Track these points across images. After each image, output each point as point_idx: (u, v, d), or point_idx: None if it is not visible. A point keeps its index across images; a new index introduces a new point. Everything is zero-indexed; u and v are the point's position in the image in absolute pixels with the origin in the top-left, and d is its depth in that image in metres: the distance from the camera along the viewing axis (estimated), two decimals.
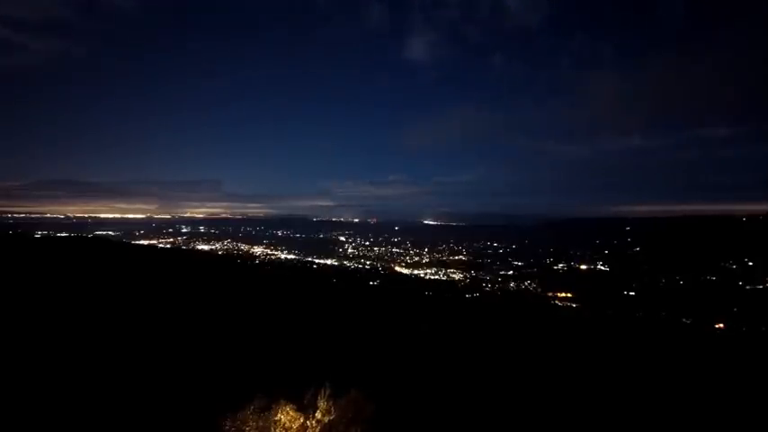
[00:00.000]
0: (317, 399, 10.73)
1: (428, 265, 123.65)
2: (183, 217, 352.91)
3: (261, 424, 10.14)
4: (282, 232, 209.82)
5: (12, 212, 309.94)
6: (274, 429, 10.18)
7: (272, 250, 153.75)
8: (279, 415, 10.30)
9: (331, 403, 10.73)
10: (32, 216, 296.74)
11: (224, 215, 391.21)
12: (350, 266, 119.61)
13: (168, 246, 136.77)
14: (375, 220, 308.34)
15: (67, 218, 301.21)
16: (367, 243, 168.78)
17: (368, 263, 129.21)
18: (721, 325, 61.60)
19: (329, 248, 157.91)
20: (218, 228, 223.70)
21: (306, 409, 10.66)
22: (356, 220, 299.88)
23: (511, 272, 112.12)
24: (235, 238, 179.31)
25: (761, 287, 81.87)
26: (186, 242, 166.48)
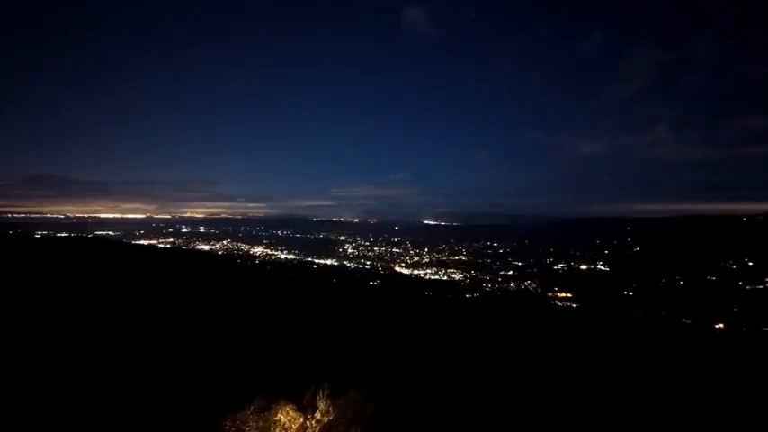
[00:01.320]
0: (316, 399, 10.74)
1: (428, 265, 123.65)
2: (183, 217, 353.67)
3: (261, 424, 10.15)
4: (282, 232, 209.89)
5: (12, 212, 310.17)
6: (274, 429, 10.19)
7: (272, 250, 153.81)
8: (279, 415, 10.31)
9: (330, 403, 10.74)
10: (32, 216, 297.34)
11: (224, 215, 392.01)
12: (350, 266, 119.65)
13: (168, 246, 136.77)
14: (375, 220, 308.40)
15: (67, 218, 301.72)
16: (367, 243, 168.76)
17: (368, 263, 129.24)
18: (721, 325, 61.63)
19: (329, 248, 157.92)
20: (218, 228, 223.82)
21: (305, 409, 10.67)
22: (356, 220, 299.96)
23: (511, 272, 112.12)
24: (235, 238, 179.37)
25: (761, 287, 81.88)
26: (186, 242, 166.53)
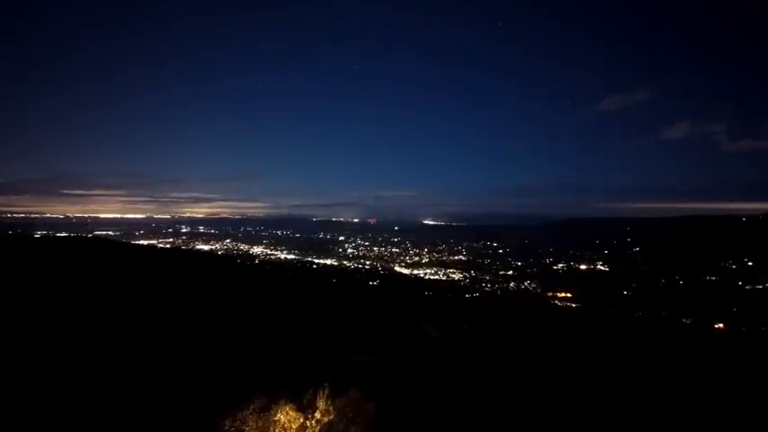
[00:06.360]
0: (316, 399, 10.74)
1: (428, 265, 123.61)
2: (183, 217, 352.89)
3: (261, 424, 10.14)
4: (282, 232, 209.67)
5: (12, 212, 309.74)
6: (274, 429, 10.19)
7: (271, 250, 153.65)
8: (279, 415, 10.30)
9: (330, 403, 10.74)
10: (32, 216, 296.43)
11: (224, 215, 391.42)
12: (350, 266, 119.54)
13: (168, 246, 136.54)
14: (375, 220, 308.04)
15: (67, 218, 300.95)
16: (367, 243, 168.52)
17: (368, 263, 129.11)
18: (721, 325, 61.62)
19: (329, 248, 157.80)
20: (217, 228, 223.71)
21: (305, 409, 10.66)
22: (356, 220, 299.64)
23: (511, 272, 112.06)
24: (235, 238, 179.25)
25: (761, 287, 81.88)
26: (186, 242, 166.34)
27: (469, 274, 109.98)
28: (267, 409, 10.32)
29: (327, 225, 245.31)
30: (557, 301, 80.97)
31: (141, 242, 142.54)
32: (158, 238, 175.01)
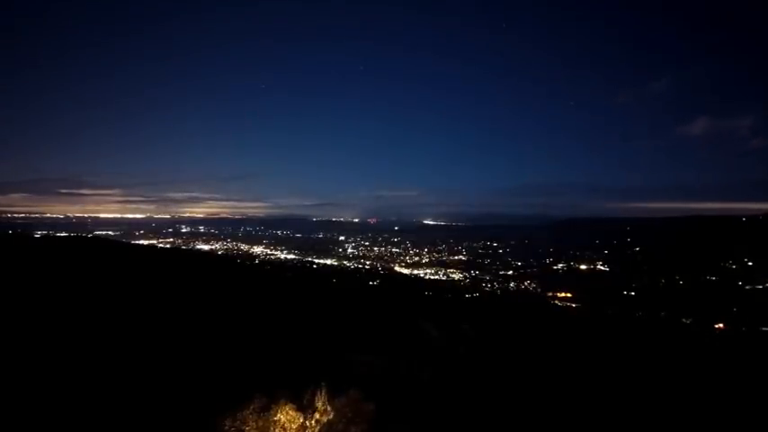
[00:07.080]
0: (315, 398, 10.75)
1: (428, 265, 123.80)
2: (183, 217, 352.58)
3: (261, 424, 10.16)
4: (282, 232, 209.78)
5: (12, 212, 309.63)
6: (274, 429, 10.20)
7: (271, 250, 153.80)
8: (278, 415, 10.31)
9: (330, 403, 10.76)
10: (32, 216, 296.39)
11: (224, 215, 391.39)
12: (350, 266, 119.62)
13: (168, 246, 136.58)
14: (375, 220, 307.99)
15: (67, 218, 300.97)
16: (367, 243, 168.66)
17: (368, 263, 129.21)
18: (721, 325, 61.69)
19: (329, 248, 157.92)
20: (217, 228, 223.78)
21: (305, 408, 10.68)
22: (356, 220, 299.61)
23: (511, 272, 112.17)
24: (235, 238, 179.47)
25: (761, 287, 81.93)
26: (186, 242, 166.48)
27: (469, 274, 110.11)
28: (267, 409, 10.33)
29: (327, 225, 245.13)
30: (557, 301, 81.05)
31: (141, 242, 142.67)
32: (158, 237, 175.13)
